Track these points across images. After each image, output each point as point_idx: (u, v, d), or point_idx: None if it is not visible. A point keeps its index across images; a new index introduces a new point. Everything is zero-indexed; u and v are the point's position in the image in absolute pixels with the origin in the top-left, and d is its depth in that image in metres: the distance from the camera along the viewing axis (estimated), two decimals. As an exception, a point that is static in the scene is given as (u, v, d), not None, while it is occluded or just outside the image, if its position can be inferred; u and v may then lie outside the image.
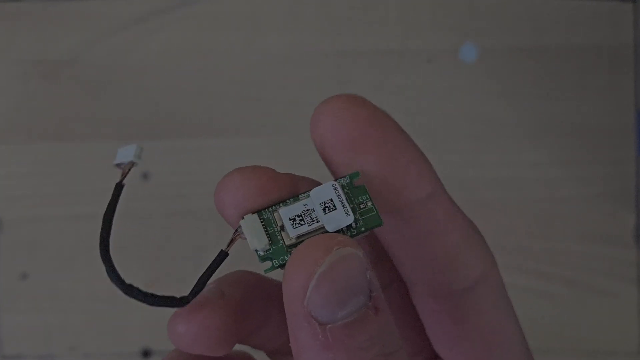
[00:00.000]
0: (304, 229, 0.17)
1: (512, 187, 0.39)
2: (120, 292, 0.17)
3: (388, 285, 0.21)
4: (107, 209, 0.18)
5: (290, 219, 0.17)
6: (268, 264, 0.17)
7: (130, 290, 0.17)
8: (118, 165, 0.19)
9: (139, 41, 0.40)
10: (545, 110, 0.39)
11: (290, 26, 0.40)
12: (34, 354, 0.39)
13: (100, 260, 0.17)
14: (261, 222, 0.17)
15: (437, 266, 0.19)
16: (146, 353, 0.39)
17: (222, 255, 0.18)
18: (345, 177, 0.18)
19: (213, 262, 0.18)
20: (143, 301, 0.17)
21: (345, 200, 0.17)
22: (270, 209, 0.18)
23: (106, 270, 0.17)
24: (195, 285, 0.18)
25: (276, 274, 0.18)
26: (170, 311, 0.18)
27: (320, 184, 0.18)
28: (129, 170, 0.19)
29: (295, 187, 0.18)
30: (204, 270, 0.18)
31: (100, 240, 0.18)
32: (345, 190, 0.18)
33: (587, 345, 0.38)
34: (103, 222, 0.18)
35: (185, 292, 0.18)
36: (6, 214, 0.40)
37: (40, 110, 0.40)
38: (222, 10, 0.40)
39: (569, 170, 0.39)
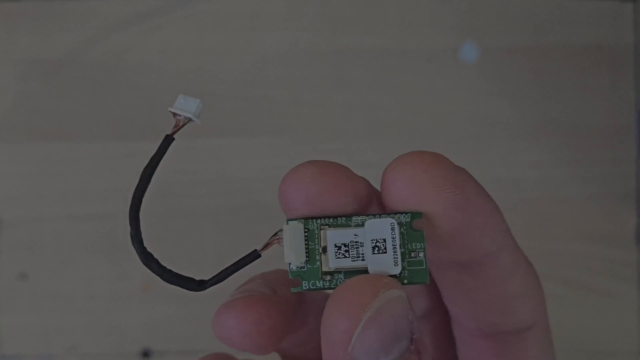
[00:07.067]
0: (346, 263, 0.16)
1: (512, 187, 0.39)
2: (139, 261, 0.16)
3: (428, 314, 0.20)
4: (149, 163, 0.16)
5: (336, 245, 0.16)
6: (297, 282, 0.16)
7: (149, 261, 0.16)
8: (174, 114, 0.17)
9: (138, 40, 0.40)
10: (545, 110, 0.39)
11: (290, 26, 0.40)
12: (33, 354, 0.39)
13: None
14: (305, 232, 0.16)
15: (492, 309, 0.18)
16: (146, 353, 0.39)
17: (254, 256, 0.16)
18: (406, 214, 0.16)
19: (243, 259, 0.16)
20: (159, 275, 0.16)
21: (398, 246, 0.16)
22: (318, 221, 0.16)
23: (130, 232, 0.16)
24: (216, 275, 0.16)
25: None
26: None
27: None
28: (183, 125, 0.17)
29: (368, 198, 0.17)
30: (229, 265, 0.16)
31: (133, 198, 0.16)
32: (402, 229, 0.16)
33: (587, 346, 0.38)
34: (141, 177, 0.16)
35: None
36: (6, 214, 0.40)
37: (40, 110, 0.40)
38: (222, 10, 0.40)
39: (569, 170, 0.39)
